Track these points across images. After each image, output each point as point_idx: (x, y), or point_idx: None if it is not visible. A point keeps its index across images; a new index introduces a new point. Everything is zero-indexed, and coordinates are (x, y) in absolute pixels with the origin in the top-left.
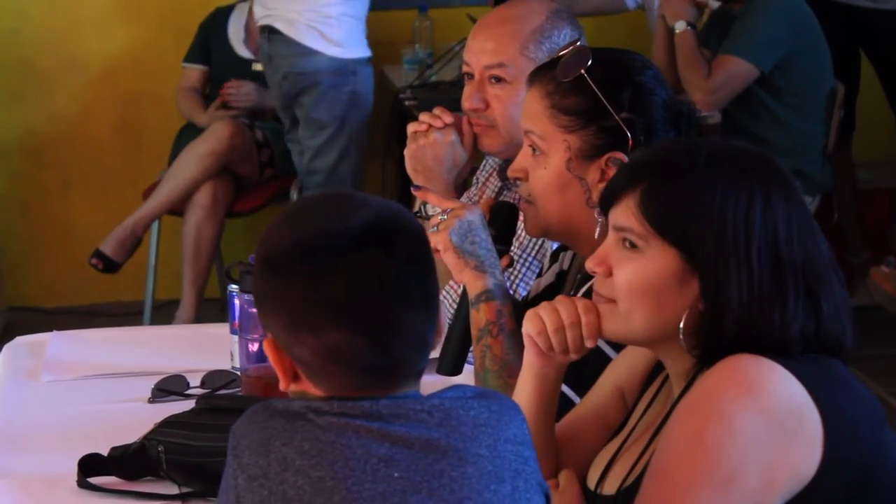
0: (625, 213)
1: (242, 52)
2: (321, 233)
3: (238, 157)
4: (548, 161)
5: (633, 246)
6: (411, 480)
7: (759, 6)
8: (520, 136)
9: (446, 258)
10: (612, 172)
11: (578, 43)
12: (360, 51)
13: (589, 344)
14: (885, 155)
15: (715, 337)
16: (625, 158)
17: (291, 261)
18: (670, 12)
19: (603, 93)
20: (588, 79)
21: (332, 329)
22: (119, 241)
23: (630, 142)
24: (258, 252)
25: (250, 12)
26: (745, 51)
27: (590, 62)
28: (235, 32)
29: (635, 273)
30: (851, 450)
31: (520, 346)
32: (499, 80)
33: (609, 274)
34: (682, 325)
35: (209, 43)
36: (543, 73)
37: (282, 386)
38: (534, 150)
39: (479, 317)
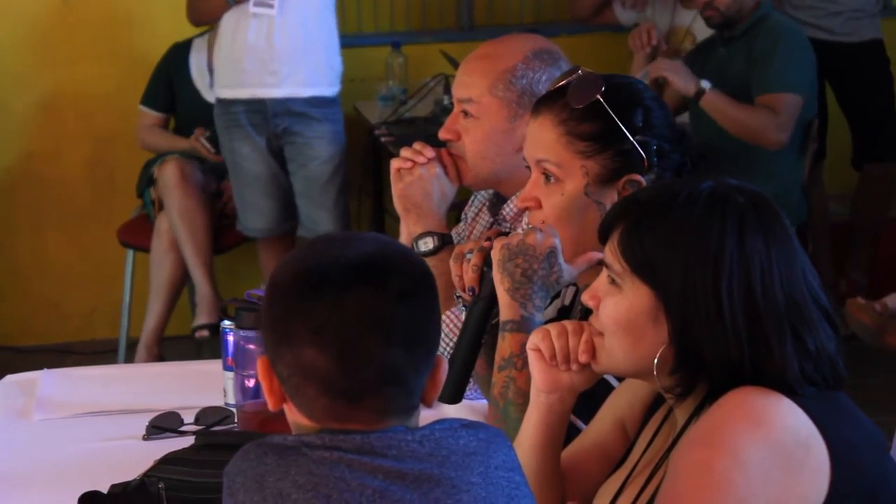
0: (609, 250)
1: (210, 97)
2: (320, 261)
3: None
4: (563, 188)
5: (615, 283)
6: None
7: (781, 41)
8: (485, 171)
9: (494, 264)
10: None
11: (580, 71)
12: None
13: (583, 358)
14: (854, 187)
15: (692, 376)
16: (642, 180)
17: (288, 283)
18: (681, 84)
19: (618, 116)
20: (604, 103)
21: (307, 346)
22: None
23: (646, 163)
24: (268, 278)
25: (209, 49)
26: (793, 86)
27: (604, 87)
28: (199, 75)
29: (613, 309)
30: (857, 480)
31: None
32: (467, 114)
33: (598, 308)
34: (656, 361)
35: (173, 88)
36: (553, 102)
37: (270, 406)
38: (547, 177)
39: (504, 346)
